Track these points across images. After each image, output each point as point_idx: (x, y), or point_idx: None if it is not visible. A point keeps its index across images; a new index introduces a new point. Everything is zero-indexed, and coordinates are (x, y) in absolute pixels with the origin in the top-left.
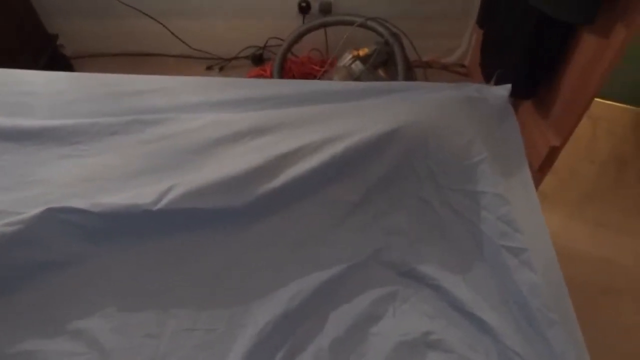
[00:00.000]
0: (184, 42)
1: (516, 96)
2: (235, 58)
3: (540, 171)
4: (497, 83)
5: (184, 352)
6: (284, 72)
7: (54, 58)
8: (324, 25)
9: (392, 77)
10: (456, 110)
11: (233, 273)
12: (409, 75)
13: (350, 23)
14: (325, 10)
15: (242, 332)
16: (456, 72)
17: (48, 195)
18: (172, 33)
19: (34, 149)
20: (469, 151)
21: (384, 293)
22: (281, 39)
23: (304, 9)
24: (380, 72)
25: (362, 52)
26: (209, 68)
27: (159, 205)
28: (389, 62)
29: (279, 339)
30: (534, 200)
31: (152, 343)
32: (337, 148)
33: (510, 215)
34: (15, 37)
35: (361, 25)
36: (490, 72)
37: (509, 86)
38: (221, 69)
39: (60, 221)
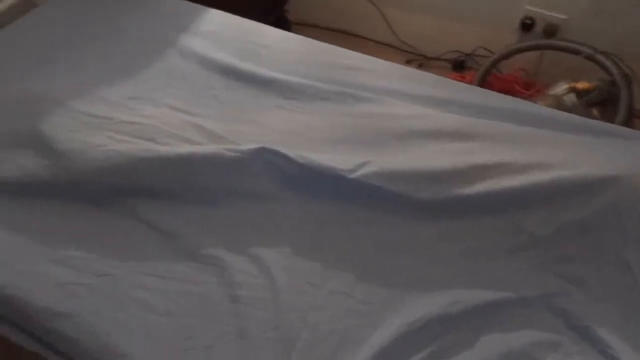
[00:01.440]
0: (393, 30)
1: None
2: (437, 59)
3: None
4: None
5: (337, 312)
6: (485, 85)
7: (279, 19)
8: (545, 48)
9: (608, 121)
10: None
11: (400, 258)
12: (628, 125)
13: (576, 52)
14: (550, 32)
15: (393, 316)
16: None
17: (261, 137)
18: (385, 19)
19: (258, 93)
20: None
21: (547, 339)
22: (490, 50)
23: (527, 26)
24: (595, 112)
25: (580, 86)
26: (408, 62)
27: (354, 175)
28: (607, 104)
29: (426, 338)
30: None
31: (312, 292)
32: (544, 176)
33: None
34: None
35: (589, 57)
36: None
37: None
38: (420, 65)
39: (268, 161)
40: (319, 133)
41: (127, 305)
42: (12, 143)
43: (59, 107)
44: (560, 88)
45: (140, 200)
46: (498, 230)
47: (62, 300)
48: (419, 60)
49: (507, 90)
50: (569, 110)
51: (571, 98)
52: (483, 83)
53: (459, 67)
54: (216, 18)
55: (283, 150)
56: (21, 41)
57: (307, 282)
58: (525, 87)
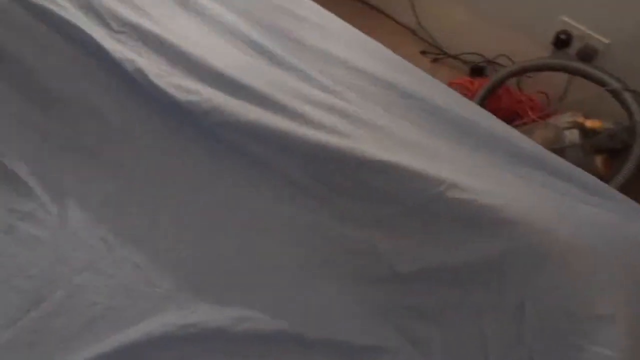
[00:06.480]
0: (416, 14)
1: None
2: (456, 57)
3: None
4: None
5: (113, 283)
6: (493, 97)
7: None
8: (566, 70)
9: (609, 174)
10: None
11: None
12: (631, 184)
13: (601, 82)
14: (586, 55)
15: (165, 314)
16: None
17: None
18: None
19: None
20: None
21: None
22: (512, 61)
23: (560, 43)
24: (597, 160)
25: (589, 124)
26: (423, 53)
27: None
28: (616, 155)
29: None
30: None
31: (100, 252)
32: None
33: None
34: None
35: (612, 92)
36: None
37: None
38: (434, 60)
39: None
40: None
41: None
42: None
43: None
44: (565, 119)
45: None
46: (355, 247)
47: None
48: (436, 54)
49: (515, 108)
50: (563, 147)
51: (573, 135)
52: (490, 94)
53: (475, 72)
54: None
55: None
56: None
57: (101, 238)
58: (539, 112)
